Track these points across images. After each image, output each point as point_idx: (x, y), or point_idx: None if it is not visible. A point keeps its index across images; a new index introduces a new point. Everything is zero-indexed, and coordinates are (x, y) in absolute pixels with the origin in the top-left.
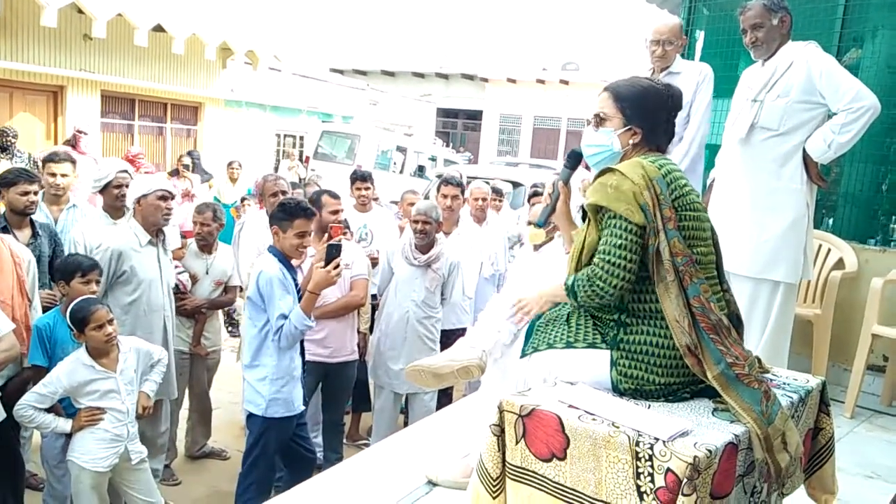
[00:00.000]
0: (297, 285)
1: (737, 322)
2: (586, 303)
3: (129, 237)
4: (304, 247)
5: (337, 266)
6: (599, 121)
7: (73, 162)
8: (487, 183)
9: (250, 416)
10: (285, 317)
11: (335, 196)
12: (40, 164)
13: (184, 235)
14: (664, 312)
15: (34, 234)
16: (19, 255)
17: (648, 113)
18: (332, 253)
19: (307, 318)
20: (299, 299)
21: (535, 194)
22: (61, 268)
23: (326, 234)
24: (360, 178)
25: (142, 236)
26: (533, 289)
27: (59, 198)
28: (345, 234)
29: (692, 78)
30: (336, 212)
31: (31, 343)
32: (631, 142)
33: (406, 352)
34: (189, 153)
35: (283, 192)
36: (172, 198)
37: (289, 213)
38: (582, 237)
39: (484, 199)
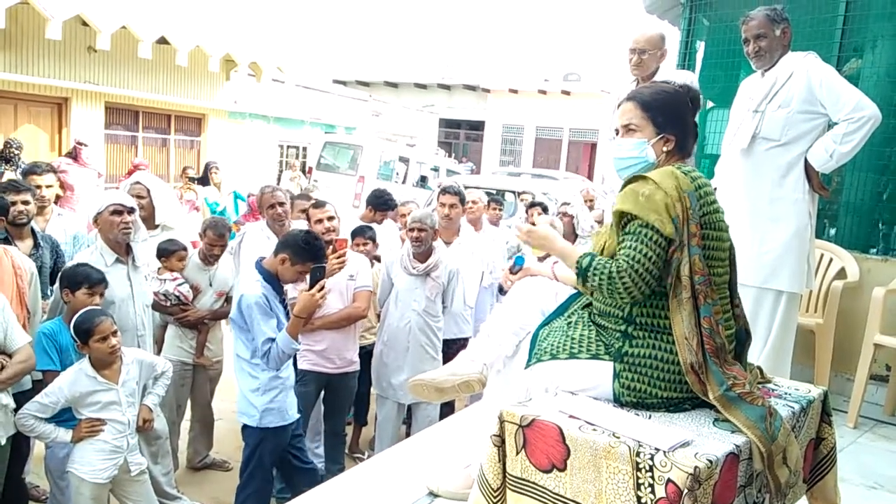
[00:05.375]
0: (284, 303)
1: (745, 337)
2: (594, 291)
3: (94, 258)
4: (303, 280)
5: (322, 288)
6: (629, 132)
7: (56, 172)
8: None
9: (245, 427)
10: (271, 340)
11: (321, 205)
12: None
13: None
14: (673, 328)
15: (35, 245)
16: (21, 267)
17: (678, 118)
18: (316, 275)
19: (294, 342)
20: (287, 317)
21: (533, 205)
22: (68, 276)
23: (331, 247)
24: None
25: (107, 256)
26: (550, 232)
27: (44, 209)
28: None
29: None
30: (329, 220)
31: (35, 350)
32: (665, 150)
33: (409, 362)
34: (207, 164)
35: (281, 204)
36: (130, 211)
37: (309, 254)
38: (602, 240)
39: (475, 203)
